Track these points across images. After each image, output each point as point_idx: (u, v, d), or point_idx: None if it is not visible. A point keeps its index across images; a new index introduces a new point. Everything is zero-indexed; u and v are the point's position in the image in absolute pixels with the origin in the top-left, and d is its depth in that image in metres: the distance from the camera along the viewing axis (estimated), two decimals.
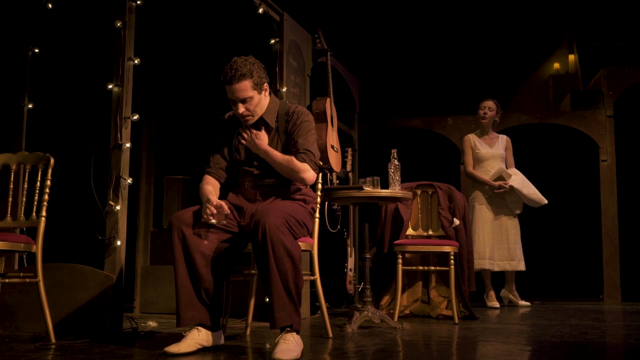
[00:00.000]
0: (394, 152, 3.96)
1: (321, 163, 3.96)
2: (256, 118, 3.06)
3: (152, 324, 3.94)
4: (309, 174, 3.03)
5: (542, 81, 8.10)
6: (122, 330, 3.48)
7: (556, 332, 3.55)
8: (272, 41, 4.32)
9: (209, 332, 2.90)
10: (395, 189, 3.83)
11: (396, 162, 3.94)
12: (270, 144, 3.08)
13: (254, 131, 3.08)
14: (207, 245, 2.87)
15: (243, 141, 3.10)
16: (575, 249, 7.11)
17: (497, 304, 5.55)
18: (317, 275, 3.32)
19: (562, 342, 3.18)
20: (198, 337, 2.84)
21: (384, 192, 3.74)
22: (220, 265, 2.90)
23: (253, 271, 3.36)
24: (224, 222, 2.86)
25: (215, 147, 3.18)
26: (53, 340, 3.11)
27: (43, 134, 4.19)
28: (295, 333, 2.73)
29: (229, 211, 2.84)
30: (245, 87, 2.94)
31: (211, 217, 2.81)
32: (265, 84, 3.04)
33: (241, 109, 2.99)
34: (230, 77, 2.92)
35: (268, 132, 3.10)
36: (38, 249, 3.14)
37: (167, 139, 5.21)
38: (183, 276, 2.85)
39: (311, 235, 3.20)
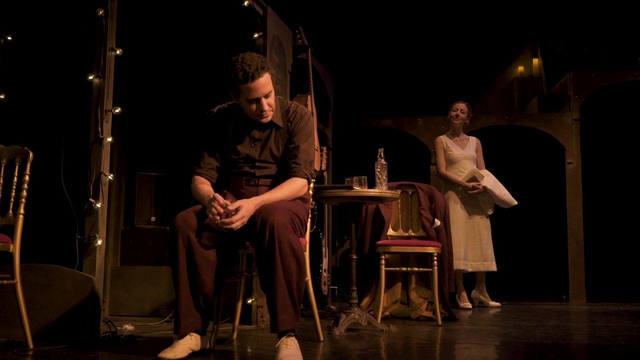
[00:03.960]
0: (381, 151, 3.90)
1: (314, 170, 3.85)
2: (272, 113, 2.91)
3: (128, 327, 3.77)
4: (305, 187, 2.96)
5: (507, 84, 8.22)
6: (100, 334, 3.30)
7: (543, 334, 3.56)
8: (256, 35, 4.20)
9: (199, 337, 2.78)
10: (382, 189, 3.77)
11: (383, 161, 3.88)
12: (273, 141, 2.94)
13: (229, 207, 2.68)
14: (212, 251, 2.72)
15: (225, 226, 2.67)
16: (540, 250, 7.22)
17: (469, 305, 5.57)
18: (309, 277, 3.23)
19: (554, 344, 3.18)
20: (190, 342, 2.72)
21: (373, 192, 3.68)
22: (220, 270, 2.77)
23: (246, 273, 3.25)
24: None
25: (204, 145, 2.99)
26: (31, 345, 2.93)
27: (13, 126, 3.96)
28: (294, 337, 2.64)
29: (233, 209, 2.70)
30: (267, 81, 2.79)
31: (218, 217, 2.66)
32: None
33: (265, 105, 2.82)
34: (252, 73, 2.72)
35: (277, 130, 2.96)
36: (16, 248, 2.94)
37: (139, 134, 5.01)
38: (185, 282, 2.70)
39: (303, 235, 3.11)
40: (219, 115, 3.04)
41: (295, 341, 2.62)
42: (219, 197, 2.70)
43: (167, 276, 4.59)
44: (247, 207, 2.68)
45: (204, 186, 2.89)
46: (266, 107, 2.84)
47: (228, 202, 2.68)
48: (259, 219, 2.64)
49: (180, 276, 2.69)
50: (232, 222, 2.64)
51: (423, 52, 7.91)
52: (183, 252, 2.69)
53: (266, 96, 2.82)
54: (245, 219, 2.66)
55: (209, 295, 2.74)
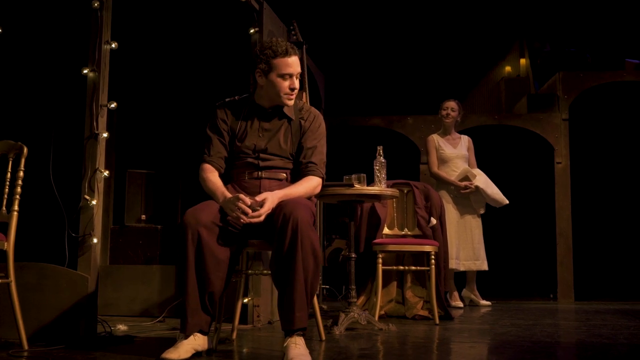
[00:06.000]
0: (380, 149, 3.86)
1: None
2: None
3: (122, 327, 3.70)
4: (320, 186, 2.95)
5: (494, 84, 8.23)
6: (96, 334, 3.22)
7: (542, 333, 3.54)
8: (252, 30, 4.13)
9: (203, 337, 2.71)
10: (382, 187, 3.73)
11: (382, 159, 3.84)
12: (282, 134, 2.91)
13: (256, 199, 2.67)
14: (222, 249, 2.66)
15: (251, 219, 2.64)
16: (529, 249, 7.24)
17: (460, 304, 5.55)
18: None
19: (556, 342, 3.17)
20: (194, 343, 2.65)
21: (373, 190, 3.64)
22: (228, 268, 2.71)
23: (250, 271, 3.19)
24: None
25: (214, 134, 2.93)
26: (26, 346, 2.84)
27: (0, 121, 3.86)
28: (302, 337, 2.58)
29: (260, 201, 2.65)
30: (298, 62, 2.83)
31: (244, 216, 2.61)
32: None
33: (296, 83, 2.84)
34: (287, 48, 2.78)
35: (288, 123, 2.94)
36: (10, 246, 2.85)
37: (129, 130, 4.91)
38: (193, 280, 2.62)
39: None
40: (229, 105, 3.00)
41: (303, 340, 2.57)
42: (243, 197, 2.65)
43: (158, 275, 4.51)
44: (272, 199, 2.66)
45: (215, 178, 2.85)
46: (297, 85, 2.84)
47: (254, 200, 2.64)
48: (280, 215, 2.58)
49: (188, 274, 2.62)
50: (259, 215, 2.61)
51: (412, 52, 7.90)
52: (192, 250, 2.62)
53: (296, 77, 2.84)
54: (268, 212, 2.63)
55: (215, 294, 2.67)
